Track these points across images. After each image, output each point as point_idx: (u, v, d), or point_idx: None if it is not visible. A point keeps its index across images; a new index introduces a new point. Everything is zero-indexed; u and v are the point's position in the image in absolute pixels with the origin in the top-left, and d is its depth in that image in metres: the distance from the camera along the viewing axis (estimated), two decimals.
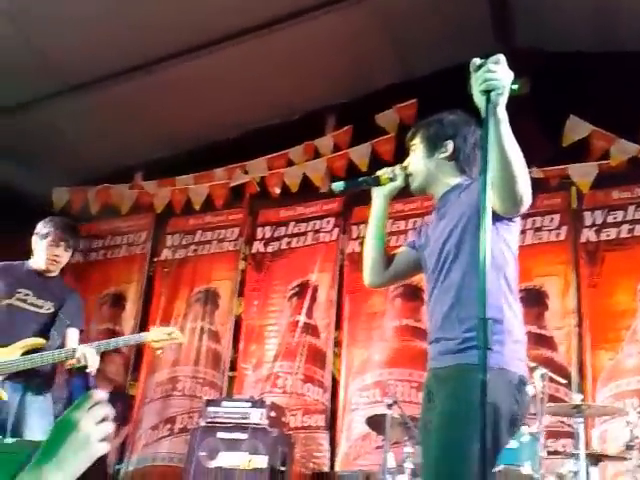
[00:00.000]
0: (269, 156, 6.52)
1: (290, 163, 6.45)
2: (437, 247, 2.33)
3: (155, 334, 3.55)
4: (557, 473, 3.75)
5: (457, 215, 2.28)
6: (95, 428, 1.09)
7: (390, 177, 2.50)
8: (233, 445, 4.80)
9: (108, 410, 1.13)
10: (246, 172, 6.62)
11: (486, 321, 1.81)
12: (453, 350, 2.14)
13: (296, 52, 5.83)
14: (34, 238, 3.75)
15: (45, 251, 3.66)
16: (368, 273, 2.57)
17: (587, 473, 3.73)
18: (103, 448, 1.10)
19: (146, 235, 7.03)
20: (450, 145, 2.37)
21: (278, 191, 6.44)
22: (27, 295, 3.60)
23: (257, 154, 6.54)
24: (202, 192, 6.67)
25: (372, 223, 2.58)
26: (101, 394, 1.13)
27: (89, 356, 3.37)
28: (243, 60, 5.85)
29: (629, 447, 3.70)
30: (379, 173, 2.52)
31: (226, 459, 4.76)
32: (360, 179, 2.61)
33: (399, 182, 2.49)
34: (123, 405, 5.62)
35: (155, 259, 6.94)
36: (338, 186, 2.60)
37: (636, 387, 4.73)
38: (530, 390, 2.21)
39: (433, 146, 2.40)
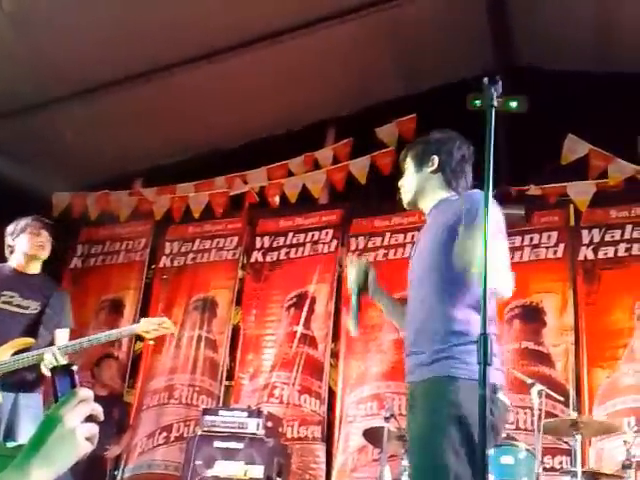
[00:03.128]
0: (269, 166, 6.55)
1: (290, 174, 6.49)
2: (417, 261, 2.42)
3: (145, 325, 3.50)
4: None
5: (436, 230, 2.35)
6: (80, 425, 1.09)
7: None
8: (229, 454, 4.81)
9: (95, 408, 1.12)
10: (246, 182, 6.65)
11: (486, 336, 1.86)
12: (425, 363, 2.20)
13: (298, 64, 5.88)
14: (8, 240, 3.73)
15: (29, 241, 3.67)
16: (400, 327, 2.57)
17: None
18: (88, 447, 1.10)
19: (145, 242, 7.04)
20: (436, 159, 2.46)
21: (277, 201, 6.47)
22: (12, 297, 3.60)
23: (257, 164, 6.57)
24: (202, 200, 6.69)
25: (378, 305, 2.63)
26: (86, 392, 1.12)
27: (58, 356, 3.34)
28: (245, 71, 5.90)
29: (625, 466, 3.74)
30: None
31: (222, 468, 4.77)
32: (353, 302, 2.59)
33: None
34: (120, 412, 5.61)
35: (154, 266, 6.95)
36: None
37: (633, 406, 4.78)
38: (504, 398, 2.23)
39: (420, 162, 2.49)
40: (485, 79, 2.10)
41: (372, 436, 4.43)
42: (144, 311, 6.65)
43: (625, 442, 3.83)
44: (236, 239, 6.68)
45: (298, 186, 6.39)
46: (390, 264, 5.94)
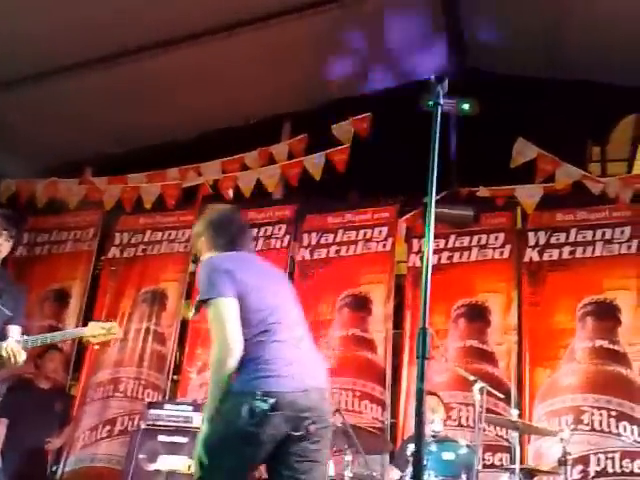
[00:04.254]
0: (224, 159, 6.50)
1: (244, 167, 6.45)
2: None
3: (92, 329, 3.44)
4: None
5: None
6: None
7: None
8: (173, 449, 4.77)
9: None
10: (200, 174, 6.58)
11: (425, 330, 1.91)
12: None
13: (256, 58, 5.85)
14: None
15: None
16: None
17: None
18: None
19: (94, 232, 6.91)
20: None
21: (231, 195, 6.43)
22: None
23: (212, 156, 6.52)
24: (154, 191, 6.60)
25: None
26: None
27: (16, 351, 3.28)
28: (201, 62, 5.84)
29: (561, 463, 3.84)
30: None
31: (166, 462, 4.72)
32: None
33: None
34: (64, 405, 5.49)
35: (102, 257, 6.83)
36: None
37: (571, 404, 4.91)
38: (266, 406, 2.26)
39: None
40: (432, 77, 2.14)
41: None
42: (91, 302, 6.55)
43: (562, 439, 3.93)
44: (188, 232, 6.60)
45: (252, 180, 6.36)
46: (342, 261, 5.99)
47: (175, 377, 6.06)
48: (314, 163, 6.20)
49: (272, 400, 2.27)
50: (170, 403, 5.22)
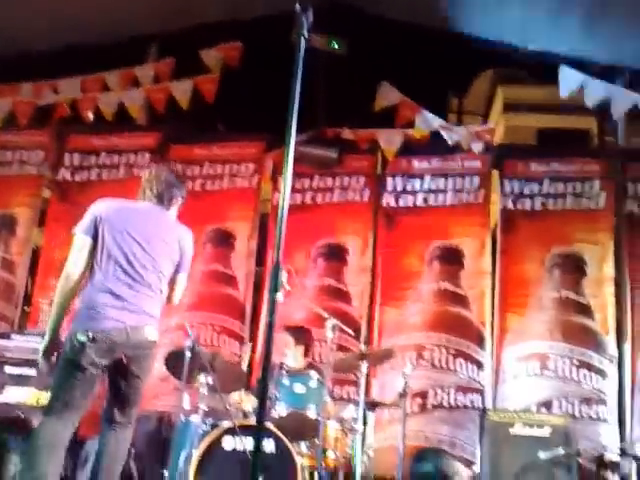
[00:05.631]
0: (83, 77, 6.13)
1: (106, 88, 6.12)
2: None
3: None
4: (339, 417, 4.11)
5: None
6: None
7: None
8: (21, 381, 4.64)
9: None
10: (56, 91, 6.17)
11: (278, 266, 1.99)
12: None
13: None
14: None
15: None
16: None
17: (365, 418, 4.14)
18: None
19: None
20: None
21: (91, 117, 6.11)
22: None
23: (69, 73, 6.12)
24: (4, 107, 6.15)
25: None
26: None
27: None
28: None
29: (402, 396, 4.15)
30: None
31: (12, 394, 4.60)
32: None
33: None
34: None
35: None
36: None
37: (415, 342, 5.28)
38: (86, 338, 2.82)
39: None
40: (297, 6, 2.14)
41: (174, 363, 4.45)
42: None
43: (404, 374, 4.23)
44: (42, 154, 6.23)
45: (114, 103, 6.08)
46: (207, 195, 5.91)
47: (26, 308, 5.82)
48: (181, 90, 6.00)
49: (90, 334, 2.81)
50: (18, 334, 5.04)
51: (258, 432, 2.14)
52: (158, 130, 6.24)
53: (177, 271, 3.07)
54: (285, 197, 2.03)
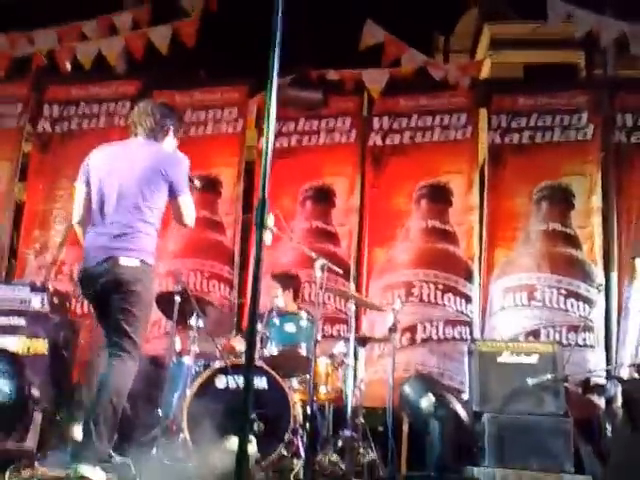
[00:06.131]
0: (60, 27, 5.98)
1: (83, 37, 5.99)
2: None
3: None
4: (329, 354, 4.12)
5: None
6: None
7: None
8: (11, 330, 4.64)
9: None
10: (32, 42, 6.02)
11: (265, 201, 1.93)
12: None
13: None
14: None
15: None
16: None
17: (355, 353, 4.15)
18: None
19: None
20: None
21: (69, 67, 5.98)
22: None
23: (45, 23, 5.97)
24: None
25: None
26: None
27: None
28: None
29: (391, 330, 4.17)
30: None
31: (2, 343, 4.59)
32: None
33: None
34: None
35: None
36: None
37: (403, 280, 5.28)
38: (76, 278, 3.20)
39: None
40: None
41: (164, 305, 4.43)
42: None
43: (394, 310, 4.23)
44: (20, 106, 6.09)
45: (93, 52, 5.94)
46: (190, 141, 5.80)
47: (13, 262, 5.77)
48: (160, 35, 5.87)
49: (80, 275, 3.08)
50: (5, 285, 5.02)
51: (248, 368, 2.07)
52: (138, 78, 6.10)
53: (174, 197, 3.03)
54: (269, 136, 1.96)
